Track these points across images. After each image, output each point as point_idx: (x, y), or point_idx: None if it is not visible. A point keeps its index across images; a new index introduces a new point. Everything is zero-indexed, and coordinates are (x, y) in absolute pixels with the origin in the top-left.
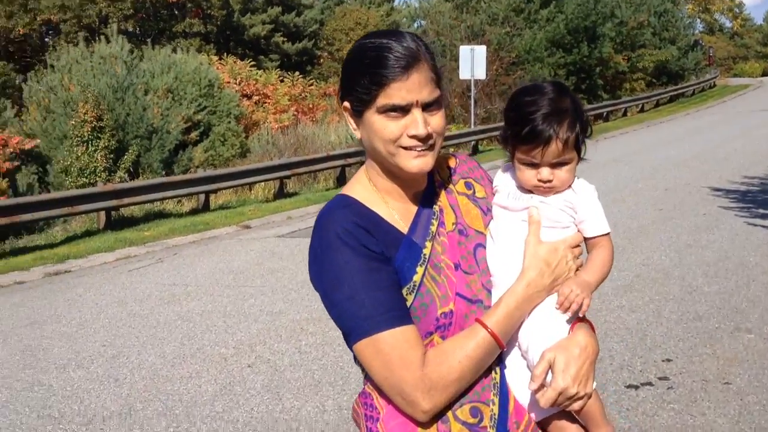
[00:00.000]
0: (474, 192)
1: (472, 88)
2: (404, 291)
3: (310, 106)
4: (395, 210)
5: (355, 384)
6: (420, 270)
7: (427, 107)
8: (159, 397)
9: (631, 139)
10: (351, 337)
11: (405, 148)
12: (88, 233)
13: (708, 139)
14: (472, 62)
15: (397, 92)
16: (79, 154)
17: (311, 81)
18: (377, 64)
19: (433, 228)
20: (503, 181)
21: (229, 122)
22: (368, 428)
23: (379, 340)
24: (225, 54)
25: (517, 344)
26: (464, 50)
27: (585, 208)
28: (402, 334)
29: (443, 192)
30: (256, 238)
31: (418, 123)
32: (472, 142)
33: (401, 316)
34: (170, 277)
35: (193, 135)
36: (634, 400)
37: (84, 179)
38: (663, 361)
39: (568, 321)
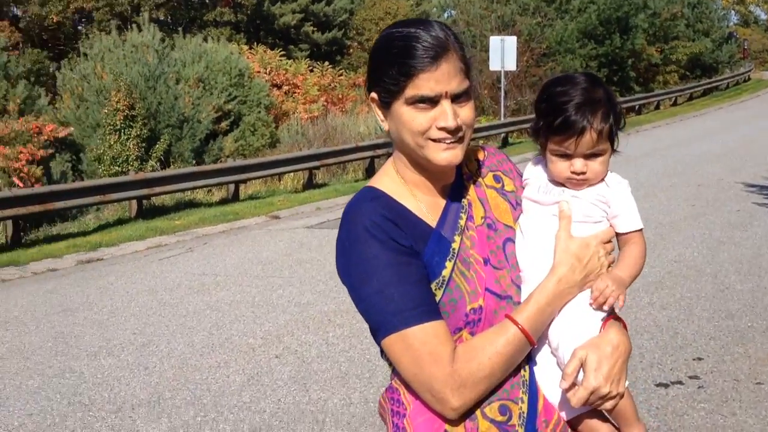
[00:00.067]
0: (503, 185)
1: (502, 79)
2: (433, 286)
3: (340, 96)
4: (423, 203)
5: (382, 377)
6: (449, 265)
7: (456, 98)
8: (187, 386)
9: (664, 133)
10: (379, 332)
11: (434, 140)
12: (120, 221)
13: (742, 134)
14: (503, 53)
15: (426, 83)
16: (112, 143)
17: (341, 71)
18: (405, 54)
19: (462, 222)
20: (533, 174)
21: (259, 112)
22: (394, 424)
23: (409, 336)
24: (255, 43)
25: (546, 341)
26: (494, 41)
27: (618, 203)
28: (432, 329)
29: (471, 185)
30: (284, 229)
31: (447, 115)
32: (502, 135)
33: (431, 311)
34: (200, 266)
35: (224, 124)
36: (663, 399)
37: (116, 168)
38: (694, 359)
39: (603, 316)
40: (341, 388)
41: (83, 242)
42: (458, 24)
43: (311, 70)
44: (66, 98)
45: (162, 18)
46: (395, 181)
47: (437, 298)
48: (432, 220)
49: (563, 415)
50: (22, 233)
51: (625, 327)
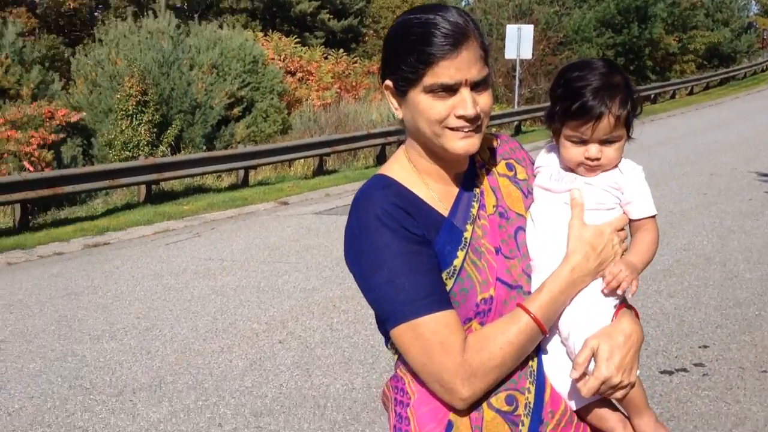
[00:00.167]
0: (515, 173)
1: (518, 67)
2: (444, 275)
3: (354, 83)
4: (435, 192)
5: (385, 363)
6: (461, 254)
7: (475, 86)
8: (189, 371)
9: (678, 122)
10: (389, 321)
11: (451, 128)
12: (129, 206)
13: (758, 124)
14: (519, 41)
15: (446, 71)
16: (123, 128)
17: (355, 58)
18: (424, 41)
19: (474, 211)
20: (545, 162)
21: (272, 99)
22: (397, 413)
23: (419, 325)
24: (270, 30)
25: (556, 331)
26: (511, 29)
27: (632, 189)
28: (443, 318)
29: (484, 173)
30: (293, 215)
31: (467, 103)
32: (516, 123)
33: (442, 300)
34: (206, 251)
35: (236, 111)
36: (668, 386)
37: (127, 153)
38: (699, 347)
39: (615, 304)
40: (344, 374)
41: (91, 226)
42: (475, 12)
43: (326, 58)
44: (79, 83)
45: (178, 5)
46: (407, 169)
47: (448, 288)
48: (444, 209)
49: (572, 404)
50: (30, 217)
51: (637, 315)
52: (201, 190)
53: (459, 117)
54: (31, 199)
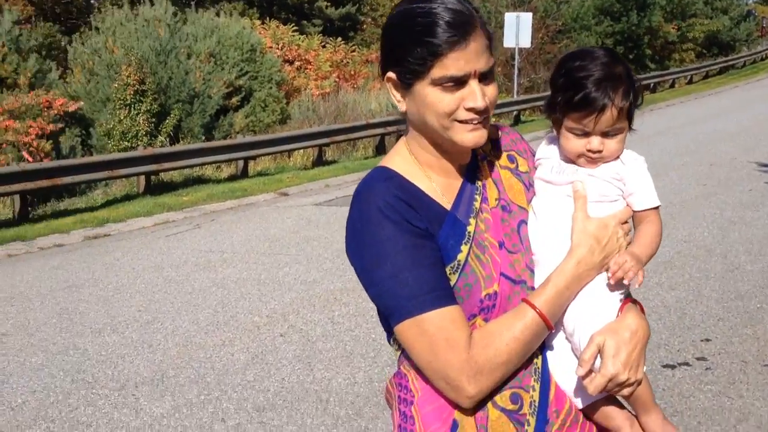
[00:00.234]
0: (517, 165)
1: (516, 56)
2: (447, 270)
3: (352, 72)
4: (437, 184)
5: (387, 356)
6: (465, 248)
7: (482, 77)
8: (191, 364)
9: (678, 112)
10: (393, 317)
11: (460, 121)
12: (128, 197)
13: (757, 113)
14: (518, 30)
15: (455, 62)
16: (122, 118)
17: (353, 47)
18: (431, 32)
19: (477, 204)
20: (546, 154)
21: (271, 88)
22: (401, 411)
23: (424, 321)
24: (268, 18)
25: (560, 327)
26: (509, 17)
27: (634, 180)
28: (448, 314)
29: (486, 166)
30: (293, 206)
31: (476, 95)
32: (515, 112)
33: (447, 295)
34: (207, 243)
35: (234, 100)
36: (670, 381)
37: (126, 143)
38: (702, 341)
39: (620, 299)
40: (346, 368)
41: (90, 218)
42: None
43: (324, 46)
44: (77, 72)
45: None
46: (408, 162)
47: (452, 283)
48: (446, 203)
49: (577, 402)
50: (29, 208)
51: (642, 310)
52: (200, 180)
53: (468, 109)
54: (30, 190)
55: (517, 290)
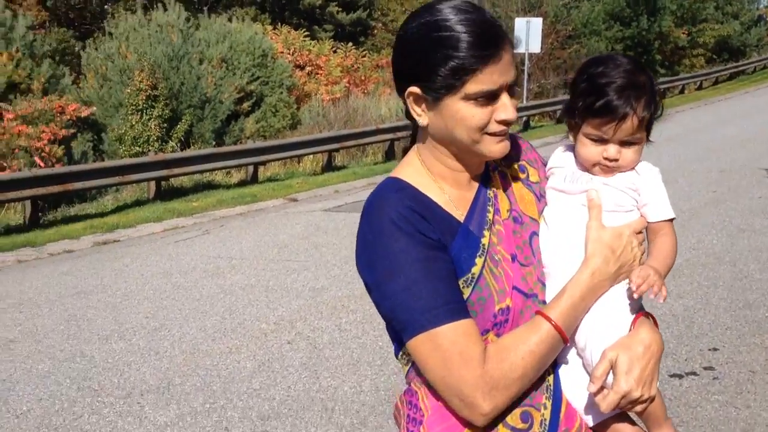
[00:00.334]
0: (528, 176)
1: (526, 61)
2: (460, 283)
3: (362, 77)
4: (450, 196)
5: (393, 364)
6: (479, 261)
7: (509, 88)
8: (197, 372)
9: (687, 118)
10: (406, 332)
11: (491, 134)
12: (138, 203)
13: (767, 119)
14: (528, 35)
15: (490, 77)
16: (134, 123)
17: (364, 52)
18: (465, 47)
19: (490, 216)
20: (559, 163)
21: (281, 93)
22: (408, 430)
23: (438, 335)
24: (279, 23)
25: (572, 342)
26: (520, 22)
27: (649, 191)
28: (463, 327)
29: (497, 176)
30: (302, 212)
31: (508, 107)
32: (524, 118)
33: (461, 308)
34: (215, 249)
35: (245, 105)
36: (677, 390)
37: (137, 148)
38: (709, 350)
39: (634, 311)
40: (352, 376)
41: (101, 223)
42: (483, 4)
43: (335, 51)
44: (90, 78)
45: None
46: (421, 173)
47: (465, 296)
48: (459, 214)
49: (588, 420)
50: (40, 214)
51: (655, 323)
52: (210, 186)
53: (500, 122)
54: (41, 195)
55: (529, 304)
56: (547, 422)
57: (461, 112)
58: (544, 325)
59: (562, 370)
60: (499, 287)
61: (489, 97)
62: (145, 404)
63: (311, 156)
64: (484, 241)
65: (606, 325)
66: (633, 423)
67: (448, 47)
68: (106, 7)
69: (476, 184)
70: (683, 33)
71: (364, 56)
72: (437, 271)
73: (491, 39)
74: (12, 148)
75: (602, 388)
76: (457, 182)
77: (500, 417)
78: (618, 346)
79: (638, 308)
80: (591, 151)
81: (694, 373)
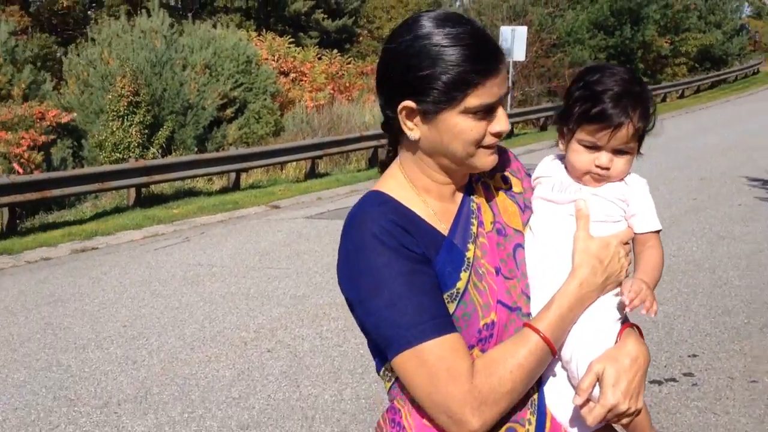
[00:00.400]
0: (510, 186)
1: (511, 69)
2: (445, 298)
3: (347, 84)
4: (433, 209)
5: (374, 373)
6: (464, 276)
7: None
8: (176, 381)
9: (669, 126)
10: (391, 348)
11: (485, 146)
12: (118, 210)
13: (747, 128)
14: (513, 43)
15: (489, 90)
16: (114, 129)
17: (349, 59)
18: (468, 61)
19: (474, 229)
20: (546, 172)
21: (265, 99)
22: None
23: (424, 351)
24: (264, 30)
25: (557, 354)
26: (505, 31)
27: (638, 201)
28: (449, 342)
29: (480, 188)
30: (284, 219)
31: (503, 120)
32: None
33: (446, 323)
34: (195, 256)
35: (228, 112)
36: (656, 396)
37: (118, 154)
38: (689, 356)
39: (620, 322)
40: (333, 384)
41: (79, 230)
42: (469, 13)
43: (320, 58)
44: (71, 83)
45: (172, 3)
46: (404, 186)
47: (450, 312)
48: (443, 228)
49: None
50: (18, 221)
51: (641, 334)
52: (191, 193)
53: (494, 134)
54: (19, 202)
55: (513, 318)
56: None
57: (459, 126)
58: (532, 338)
59: (547, 385)
60: (483, 302)
61: (487, 111)
62: (122, 414)
63: (294, 163)
64: (469, 254)
65: (592, 337)
66: None
67: (450, 61)
68: (89, 12)
69: (460, 196)
70: (666, 42)
71: (349, 63)
72: (422, 285)
73: (491, 52)
74: None
75: (588, 400)
76: (441, 195)
77: None
78: (605, 358)
79: (624, 319)
80: (583, 158)
81: (674, 380)
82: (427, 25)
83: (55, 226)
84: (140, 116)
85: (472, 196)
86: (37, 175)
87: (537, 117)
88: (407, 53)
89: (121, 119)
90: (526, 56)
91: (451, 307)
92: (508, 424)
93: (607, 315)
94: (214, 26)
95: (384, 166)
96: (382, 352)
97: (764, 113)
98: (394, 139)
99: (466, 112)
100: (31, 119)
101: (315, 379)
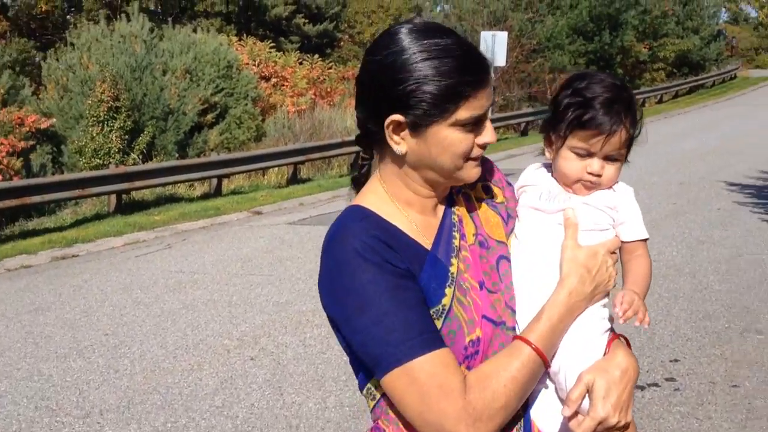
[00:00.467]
0: (493, 196)
1: (492, 74)
2: (431, 314)
3: (328, 89)
4: (416, 223)
5: None
6: (449, 291)
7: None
8: (158, 390)
9: (648, 131)
10: (380, 367)
11: (472, 159)
12: (98, 216)
13: (725, 133)
14: (493, 49)
15: (479, 102)
16: (94, 135)
17: (330, 64)
18: (460, 72)
19: (456, 242)
20: (532, 180)
21: (246, 105)
22: None
23: (414, 368)
24: (245, 35)
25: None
26: (485, 36)
27: (625, 209)
28: (440, 357)
29: (461, 199)
30: (266, 225)
31: (490, 130)
32: None
33: (436, 338)
34: (177, 263)
35: (209, 117)
36: (639, 402)
37: (98, 160)
38: (670, 361)
39: (608, 333)
40: (317, 392)
41: (59, 238)
42: (450, 18)
43: (301, 63)
44: (50, 89)
45: (152, 8)
46: (385, 200)
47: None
48: (426, 242)
49: None
50: None
51: (628, 345)
52: (173, 199)
53: (481, 146)
54: None
55: (498, 332)
56: None
57: (449, 139)
58: (524, 350)
59: (534, 398)
60: (468, 317)
61: (476, 122)
62: (104, 424)
63: (276, 168)
64: (453, 269)
65: (581, 348)
66: None
67: (441, 73)
68: (68, 17)
69: (442, 209)
70: (644, 47)
71: (331, 68)
72: (407, 301)
73: (480, 63)
74: None
75: (576, 413)
76: (423, 208)
77: None
78: (594, 369)
79: (611, 329)
80: (574, 166)
81: (656, 385)
82: (412, 36)
83: (35, 233)
84: (120, 122)
85: (453, 208)
86: (16, 182)
87: (518, 122)
88: (393, 66)
89: (101, 125)
90: (507, 61)
91: (438, 324)
92: None
93: (596, 326)
94: (195, 31)
95: (357, 181)
96: (367, 371)
97: (741, 118)
98: (369, 155)
99: (456, 124)
100: (10, 125)
101: (299, 387)
